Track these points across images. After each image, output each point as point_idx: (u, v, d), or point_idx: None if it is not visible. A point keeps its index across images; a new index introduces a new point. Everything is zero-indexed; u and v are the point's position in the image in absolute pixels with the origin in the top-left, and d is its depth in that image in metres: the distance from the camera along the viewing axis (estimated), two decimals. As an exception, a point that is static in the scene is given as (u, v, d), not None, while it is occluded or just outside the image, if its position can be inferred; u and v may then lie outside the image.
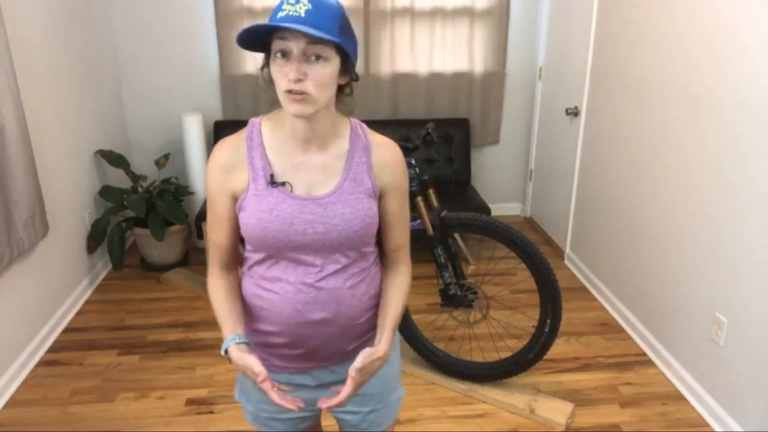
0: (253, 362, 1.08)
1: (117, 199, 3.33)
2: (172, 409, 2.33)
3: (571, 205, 3.57)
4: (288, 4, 1.01)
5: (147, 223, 3.29)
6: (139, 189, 3.46)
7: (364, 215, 1.15)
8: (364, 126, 1.22)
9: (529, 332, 2.78)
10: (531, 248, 2.18)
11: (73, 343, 2.78)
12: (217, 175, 1.15)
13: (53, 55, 2.94)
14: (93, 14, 3.47)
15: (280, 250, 1.14)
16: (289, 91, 1.03)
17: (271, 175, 1.12)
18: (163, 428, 2.23)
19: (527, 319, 2.94)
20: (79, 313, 3.07)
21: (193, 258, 3.71)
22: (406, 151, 2.29)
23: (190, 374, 2.55)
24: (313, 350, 1.22)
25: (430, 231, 2.31)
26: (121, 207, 3.33)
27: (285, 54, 1.02)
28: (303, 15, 0.99)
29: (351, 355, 1.24)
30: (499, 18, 3.88)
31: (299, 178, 1.14)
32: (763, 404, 2.00)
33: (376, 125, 1.28)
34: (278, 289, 1.17)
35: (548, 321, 2.23)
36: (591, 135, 3.29)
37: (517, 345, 2.70)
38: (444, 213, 2.32)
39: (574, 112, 3.46)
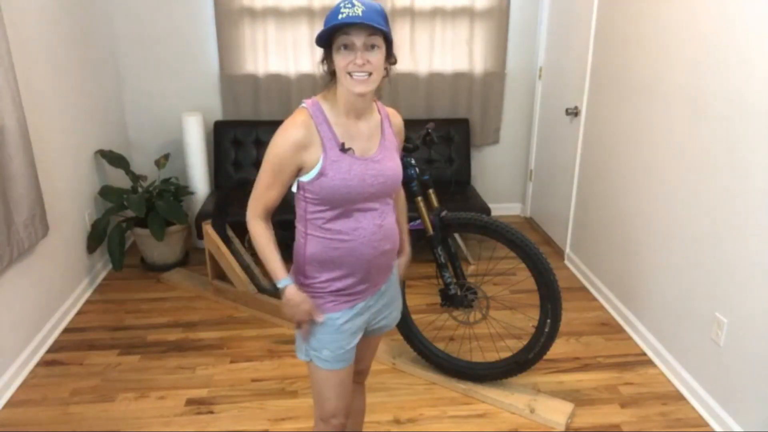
0: (307, 301, 1.47)
1: (117, 199, 3.33)
2: (172, 409, 2.33)
3: (571, 205, 3.57)
4: (345, 7, 1.28)
5: (147, 223, 3.29)
6: (139, 189, 3.46)
7: (399, 165, 1.51)
8: (379, 102, 1.56)
9: (529, 332, 2.78)
10: (531, 248, 2.18)
11: (73, 343, 2.79)
12: (292, 150, 1.37)
13: (53, 55, 2.94)
14: (93, 14, 3.47)
15: (355, 203, 1.41)
16: (352, 74, 1.32)
17: (342, 144, 1.39)
18: (163, 428, 2.23)
19: (527, 319, 2.94)
20: (79, 313, 3.07)
21: (193, 258, 3.71)
22: (406, 152, 2.29)
23: (190, 374, 2.55)
24: (379, 275, 1.55)
25: (430, 231, 2.31)
26: (121, 207, 3.33)
27: (347, 46, 1.31)
28: (361, 14, 1.28)
29: (392, 268, 1.63)
30: (499, 18, 3.88)
31: (355, 144, 1.42)
32: (763, 404, 2.00)
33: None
34: (357, 236, 1.45)
35: (548, 321, 2.23)
36: (591, 135, 3.29)
37: (517, 345, 2.70)
38: (444, 213, 2.32)
39: (574, 112, 3.46)
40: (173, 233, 3.45)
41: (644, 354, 2.70)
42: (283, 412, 2.31)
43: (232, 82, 3.86)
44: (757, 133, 1.97)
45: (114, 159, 3.42)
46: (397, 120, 1.58)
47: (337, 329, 1.53)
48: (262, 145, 3.88)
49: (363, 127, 1.44)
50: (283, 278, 1.47)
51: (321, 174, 1.38)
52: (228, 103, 3.92)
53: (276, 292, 1.39)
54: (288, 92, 3.91)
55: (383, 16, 1.33)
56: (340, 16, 1.28)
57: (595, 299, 3.21)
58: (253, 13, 3.74)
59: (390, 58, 1.40)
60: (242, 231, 3.31)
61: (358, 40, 1.30)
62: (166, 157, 3.68)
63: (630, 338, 2.83)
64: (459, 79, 4.00)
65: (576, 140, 3.46)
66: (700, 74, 2.27)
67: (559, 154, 3.77)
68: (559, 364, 2.62)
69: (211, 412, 2.31)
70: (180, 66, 3.87)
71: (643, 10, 2.68)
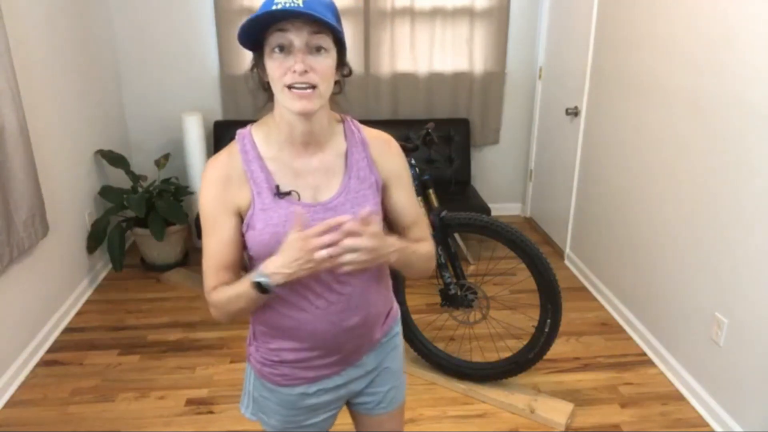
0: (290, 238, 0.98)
1: (117, 199, 3.33)
2: (172, 409, 2.33)
3: (571, 205, 3.57)
4: None
5: (147, 223, 3.28)
6: (139, 189, 3.46)
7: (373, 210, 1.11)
8: (356, 122, 1.18)
9: (529, 332, 2.77)
10: (531, 248, 2.18)
11: (73, 343, 2.78)
12: (217, 191, 1.05)
13: (53, 55, 2.94)
14: (93, 14, 3.46)
15: None
16: (292, 87, 0.99)
17: (277, 186, 1.06)
18: (163, 428, 2.23)
19: (527, 319, 2.94)
20: (79, 313, 3.07)
21: (193, 258, 3.71)
22: (406, 151, 2.29)
23: (190, 374, 2.55)
24: (347, 352, 1.20)
25: (431, 231, 2.31)
26: (121, 207, 3.33)
27: (284, 48, 0.99)
28: (301, 4, 0.95)
29: (377, 344, 1.26)
30: (499, 18, 3.88)
31: (302, 183, 1.08)
32: (763, 404, 2.00)
33: (376, 125, 1.26)
34: (306, 307, 1.11)
35: (548, 321, 2.23)
36: (591, 135, 3.29)
37: (517, 345, 2.70)
38: (444, 213, 2.32)
39: (574, 112, 3.46)
40: (173, 233, 3.45)
41: (644, 354, 2.70)
42: (283, 412, 2.31)
43: (232, 82, 3.86)
44: (757, 133, 1.97)
45: (114, 159, 3.42)
46: (383, 146, 1.15)
47: (290, 402, 1.21)
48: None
49: (314, 161, 1.09)
50: (252, 277, 1.04)
51: (247, 225, 1.06)
52: (228, 103, 3.92)
53: (267, 286, 1.02)
54: (288, 92, 3.91)
55: (332, 10, 1.01)
56: (274, 7, 0.96)
57: (595, 299, 3.21)
58: (253, 13, 3.73)
59: (343, 67, 1.08)
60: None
61: (298, 38, 0.97)
62: (166, 157, 3.68)
63: (630, 338, 2.83)
64: (459, 79, 4.00)
65: (576, 140, 3.46)
66: (701, 74, 2.27)
67: (559, 154, 3.77)
68: (559, 364, 2.62)
69: (211, 412, 2.31)
70: (180, 66, 3.87)
71: (644, 10, 2.68)
